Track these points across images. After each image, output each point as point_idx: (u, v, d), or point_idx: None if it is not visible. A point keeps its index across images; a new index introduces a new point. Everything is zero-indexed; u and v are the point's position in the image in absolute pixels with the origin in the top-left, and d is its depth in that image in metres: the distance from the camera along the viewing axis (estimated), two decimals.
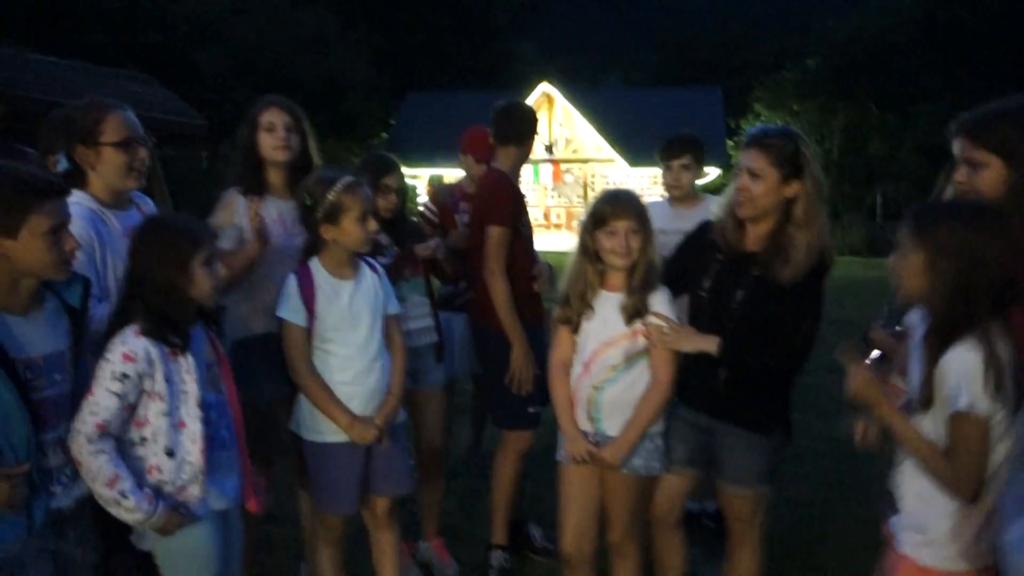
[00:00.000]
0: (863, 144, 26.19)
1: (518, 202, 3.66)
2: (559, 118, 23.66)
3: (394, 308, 2.99)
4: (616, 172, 23.07)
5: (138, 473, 2.20)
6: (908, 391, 2.16)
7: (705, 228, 2.93)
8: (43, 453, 2.07)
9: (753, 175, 2.66)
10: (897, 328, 2.53)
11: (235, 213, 3.11)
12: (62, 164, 2.75)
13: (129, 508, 2.13)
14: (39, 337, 2.08)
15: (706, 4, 43.07)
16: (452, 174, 18.78)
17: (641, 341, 2.77)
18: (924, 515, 2.09)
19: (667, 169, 4.15)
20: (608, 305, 2.78)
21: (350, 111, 23.49)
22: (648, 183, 22.41)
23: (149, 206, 2.91)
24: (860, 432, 2.40)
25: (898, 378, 2.33)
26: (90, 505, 2.18)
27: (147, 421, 2.22)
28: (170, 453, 2.23)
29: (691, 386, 2.83)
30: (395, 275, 3.22)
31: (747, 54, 35.57)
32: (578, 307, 2.80)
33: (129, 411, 2.19)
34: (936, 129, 21.21)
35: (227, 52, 21.40)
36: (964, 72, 23.95)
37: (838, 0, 29.95)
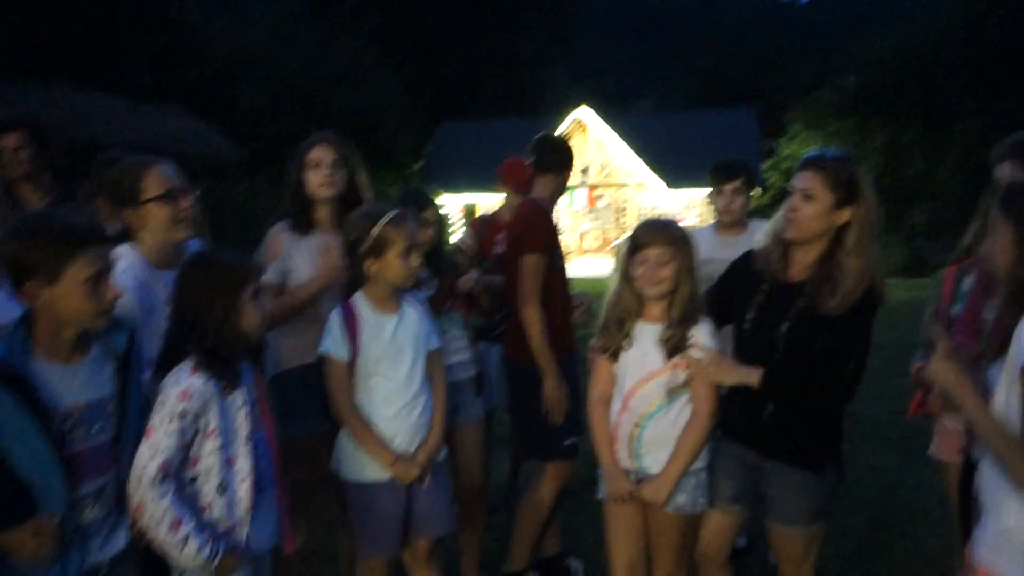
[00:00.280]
0: (902, 163, 25.84)
1: (552, 231, 3.66)
2: (593, 143, 23.68)
3: (436, 343, 2.98)
4: (649, 196, 22.99)
5: (194, 513, 2.19)
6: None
7: (749, 257, 2.87)
8: (79, 507, 2.04)
9: (806, 197, 2.59)
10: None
11: (279, 250, 3.13)
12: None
13: (192, 553, 2.12)
14: (80, 385, 2.06)
15: (739, 24, 42.97)
16: (486, 202, 18.87)
17: (682, 375, 2.71)
18: (998, 517, 1.98)
19: (718, 194, 4.05)
20: (647, 337, 2.73)
21: (385, 141, 23.72)
22: (684, 206, 22.30)
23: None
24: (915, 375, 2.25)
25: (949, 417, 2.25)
26: (132, 556, 2.17)
27: (200, 459, 2.22)
28: (222, 491, 2.22)
29: (737, 420, 2.77)
30: (436, 309, 3.21)
31: (782, 75, 35.32)
32: (617, 335, 2.76)
33: (185, 450, 2.18)
34: (976, 148, 20.93)
35: (265, 85, 21.75)
36: (1006, 90, 23.57)
37: (873, 18, 29.75)
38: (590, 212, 23.87)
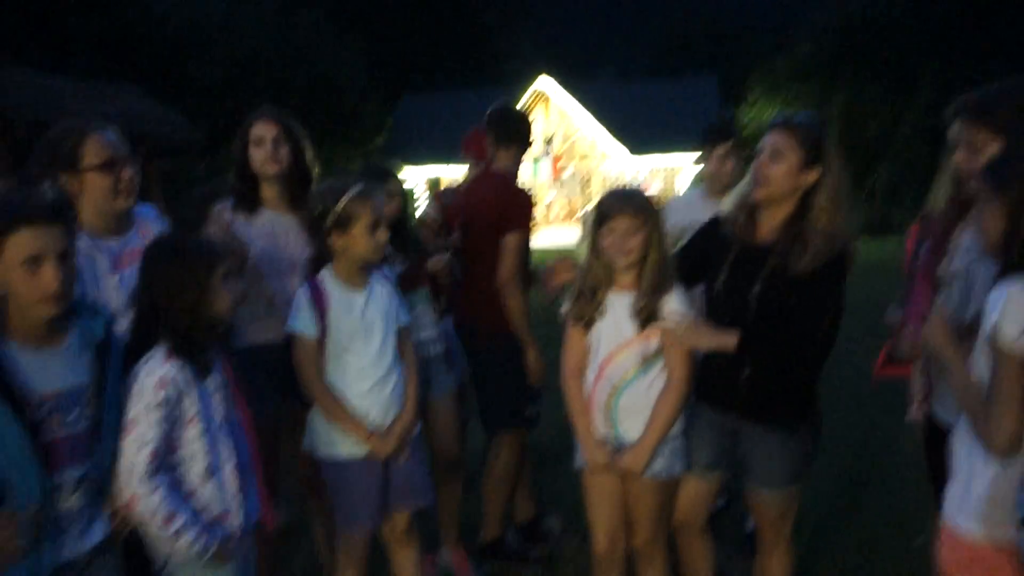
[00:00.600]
0: (862, 126, 26.09)
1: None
2: (555, 113, 23.58)
3: (405, 319, 2.94)
4: (614, 165, 22.99)
5: (187, 505, 2.16)
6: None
7: (716, 222, 2.87)
8: (56, 497, 1.97)
9: (775, 155, 2.59)
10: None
11: (222, 229, 3.06)
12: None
13: (186, 545, 2.10)
14: (57, 372, 1.97)
15: None
16: (450, 175, 18.73)
17: (656, 342, 2.71)
18: (967, 477, 2.02)
19: (707, 158, 3.97)
20: (620, 306, 2.72)
21: (346, 116, 23.45)
22: (648, 173, 22.33)
23: (150, 222, 2.79)
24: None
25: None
26: (111, 548, 2.12)
27: (181, 445, 2.18)
28: (208, 476, 2.20)
29: (713, 386, 2.77)
30: (408, 287, 3.17)
31: (742, 43, 35.40)
32: (590, 305, 2.75)
33: (167, 438, 2.14)
34: (935, 109, 21.19)
35: (220, 62, 21.33)
36: (964, 50, 23.83)
37: None
38: (555, 182, 23.83)
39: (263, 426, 2.78)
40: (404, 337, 2.93)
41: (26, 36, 18.33)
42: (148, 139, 10.54)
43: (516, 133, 3.80)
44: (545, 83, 23.13)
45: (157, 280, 2.20)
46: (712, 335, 2.66)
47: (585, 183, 23.67)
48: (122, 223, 2.68)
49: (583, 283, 2.77)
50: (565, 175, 23.91)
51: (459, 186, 4.54)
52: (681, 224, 3.53)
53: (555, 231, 21.36)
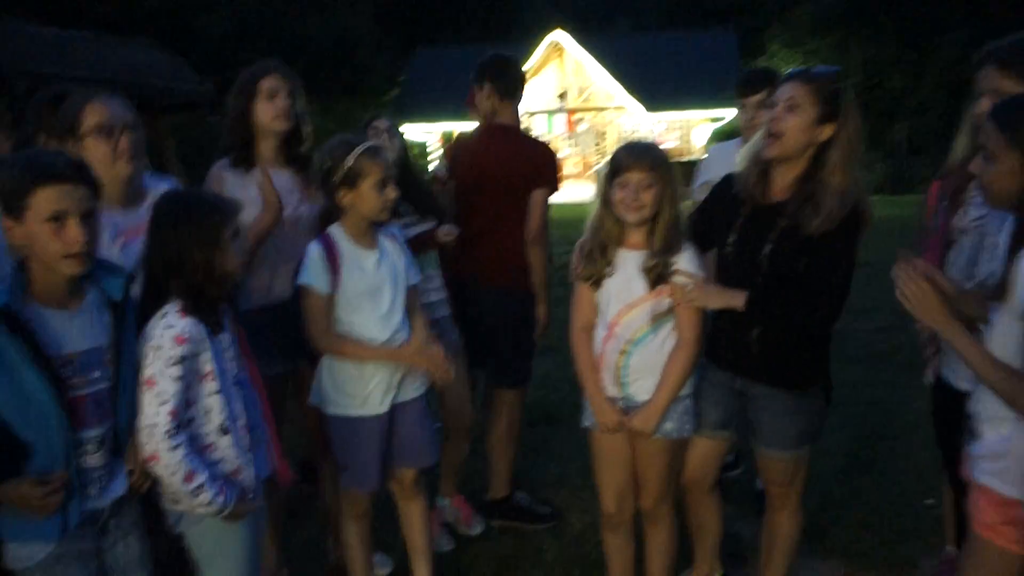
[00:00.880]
0: (883, 80, 25.63)
1: None
2: (570, 66, 23.28)
3: (415, 278, 2.92)
4: (629, 120, 22.72)
5: (206, 463, 2.19)
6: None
7: (729, 180, 2.80)
8: (80, 453, 2.02)
9: (791, 107, 2.50)
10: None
11: (225, 188, 2.99)
12: None
13: (205, 502, 2.13)
14: (78, 332, 2.01)
15: None
16: (464, 129, 18.58)
17: (666, 302, 2.67)
18: (998, 440, 1.98)
19: (742, 108, 3.78)
20: (630, 264, 2.68)
21: (358, 70, 23.24)
22: (664, 129, 22.09)
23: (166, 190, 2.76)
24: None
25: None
26: (131, 500, 2.17)
27: (196, 400, 2.19)
28: (223, 432, 2.22)
29: (723, 346, 2.74)
30: (419, 249, 3.15)
31: None
32: (600, 262, 2.71)
33: (185, 393, 2.16)
34: (957, 62, 20.73)
35: (231, 15, 21.12)
36: (984, 5, 23.27)
37: None
38: (569, 137, 23.62)
39: (269, 386, 2.79)
40: (412, 296, 2.91)
41: None
42: (156, 92, 10.44)
43: (518, 85, 3.72)
44: (559, 36, 22.82)
45: (169, 237, 2.18)
46: (720, 294, 2.62)
47: (600, 138, 23.46)
48: (131, 195, 2.62)
49: (593, 239, 2.73)
50: (580, 129, 23.69)
51: (464, 140, 4.42)
52: (719, 176, 3.44)
53: (569, 187, 21.24)
